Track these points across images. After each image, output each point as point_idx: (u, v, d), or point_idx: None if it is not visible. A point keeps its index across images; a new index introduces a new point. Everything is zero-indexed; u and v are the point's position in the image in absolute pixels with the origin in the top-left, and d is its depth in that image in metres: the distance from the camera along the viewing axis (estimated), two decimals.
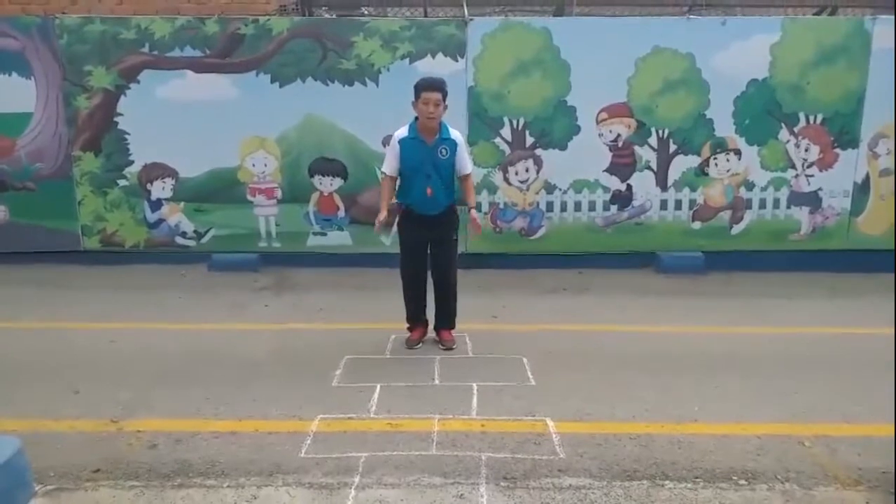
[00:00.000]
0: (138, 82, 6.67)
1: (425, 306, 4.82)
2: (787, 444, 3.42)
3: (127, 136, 6.80)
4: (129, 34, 6.57)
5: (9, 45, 6.60)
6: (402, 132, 4.51)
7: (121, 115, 6.75)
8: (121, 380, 4.21)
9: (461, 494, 2.92)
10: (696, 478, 3.07)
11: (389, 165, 4.57)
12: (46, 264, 6.86)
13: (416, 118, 4.46)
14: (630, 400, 3.93)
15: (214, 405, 3.85)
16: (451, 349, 4.70)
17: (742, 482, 3.05)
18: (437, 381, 4.18)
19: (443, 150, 4.46)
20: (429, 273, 4.73)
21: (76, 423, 3.64)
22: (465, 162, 4.61)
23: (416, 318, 4.82)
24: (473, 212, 4.52)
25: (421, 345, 4.78)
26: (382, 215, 4.49)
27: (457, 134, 4.55)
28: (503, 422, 3.62)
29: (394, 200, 4.65)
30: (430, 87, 4.37)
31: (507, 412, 3.74)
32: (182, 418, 3.70)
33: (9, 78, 6.67)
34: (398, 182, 4.60)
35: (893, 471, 2.93)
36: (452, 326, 4.84)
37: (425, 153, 4.44)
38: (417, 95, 4.38)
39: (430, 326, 4.87)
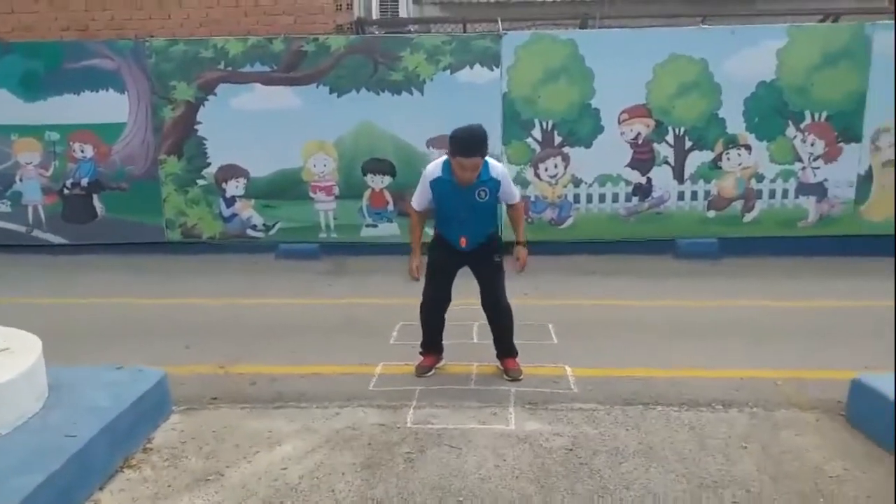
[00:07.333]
0: (215, 95, 7.69)
1: (442, 331, 4.38)
2: (764, 383, 4.18)
3: (205, 142, 7.83)
4: (208, 53, 7.59)
5: (106, 65, 7.68)
6: (436, 171, 3.98)
7: (200, 123, 7.78)
8: (219, 340, 5.17)
9: (494, 413, 3.76)
10: (682, 404, 3.86)
11: (418, 201, 4.12)
12: (135, 254, 7.94)
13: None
14: (638, 354, 4.72)
15: (298, 356, 4.78)
16: (518, 379, 4.21)
17: (718, 407, 3.83)
18: (475, 340, 4.98)
19: (481, 193, 3.92)
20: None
21: (192, 367, 4.60)
22: (510, 194, 4.08)
23: (431, 344, 4.41)
24: (519, 248, 4.12)
25: (433, 372, 4.36)
26: (415, 263, 4.15)
27: (498, 170, 3.98)
28: (529, 367, 4.43)
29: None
30: (468, 151, 3.72)
31: (532, 361, 4.55)
32: (274, 365, 4.63)
33: (106, 93, 7.75)
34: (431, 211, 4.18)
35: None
36: (516, 354, 4.35)
37: (461, 196, 3.92)
38: (452, 155, 3.79)
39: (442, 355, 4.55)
